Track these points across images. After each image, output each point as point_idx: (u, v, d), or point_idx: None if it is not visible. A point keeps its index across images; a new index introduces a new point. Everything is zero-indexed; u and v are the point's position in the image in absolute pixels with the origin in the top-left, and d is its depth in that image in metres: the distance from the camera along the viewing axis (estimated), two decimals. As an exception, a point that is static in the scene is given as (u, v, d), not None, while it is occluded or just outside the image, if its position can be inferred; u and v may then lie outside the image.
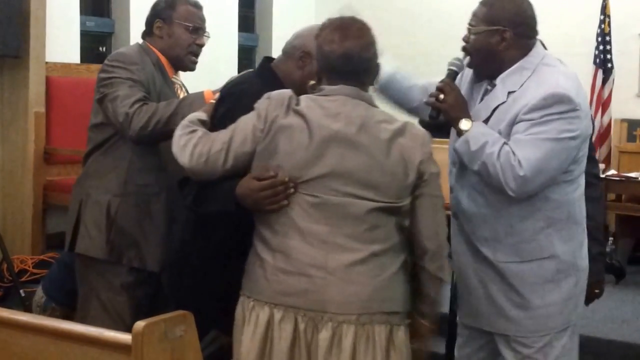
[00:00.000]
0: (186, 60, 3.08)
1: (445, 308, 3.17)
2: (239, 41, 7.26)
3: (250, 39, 7.65)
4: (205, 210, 2.43)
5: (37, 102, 5.26)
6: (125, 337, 2.17)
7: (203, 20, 3.14)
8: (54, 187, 5.22)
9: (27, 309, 4.23)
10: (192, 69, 3.14)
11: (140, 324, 2.11)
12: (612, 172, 5.80)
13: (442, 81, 2.66)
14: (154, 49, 3.06)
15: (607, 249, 5.37)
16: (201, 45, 3.11)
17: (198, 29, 3.09)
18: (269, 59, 2.73)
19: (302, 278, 2.24)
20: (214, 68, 5.57)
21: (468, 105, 2.59)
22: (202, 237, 2.54)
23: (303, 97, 2.34)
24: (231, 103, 2.53)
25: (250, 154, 2.32)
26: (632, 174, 5.57)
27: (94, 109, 3.02)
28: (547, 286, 2.55)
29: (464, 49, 2.74)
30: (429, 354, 2.55)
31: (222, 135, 2.36)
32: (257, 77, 2.71)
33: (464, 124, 2.49)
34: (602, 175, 5.48)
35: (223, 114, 2.51)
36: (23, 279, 4.78)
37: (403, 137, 2.29)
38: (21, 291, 4.45)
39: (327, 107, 2.30)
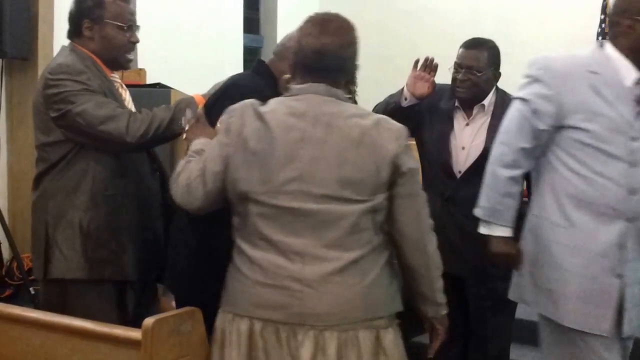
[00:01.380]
0: (122, 59, 2.91)
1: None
2: (244, 42, 7.31)
3: (255, 40, 7.70)
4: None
5: (46, 104, 5.32)
6: (135, 333, 2.23)
7: (133, 14, 2.93)
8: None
9: (37, 306, 4.21)
10: (128, 68, 3.02)
11: (150, 320, 2.18)
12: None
13: None
14: (85, 51, 2.85)
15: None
16: (135, 42, 2.91)
17: (131, 27, 2.88)
18: (262, 61, 2.76)
19: (280, 291, 2.15)
20: (220, 69, 5.62)
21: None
22: (210, 239, 2.49)
23: (272, 100, 2.26)
24: (235, 100, 2.44)
25: (223, 172, 2.22)
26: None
27: (43, 127, 2.82)
28: None
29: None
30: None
31: (199, 159, 2.30)
32: (256, 74, 2.74)
33: None
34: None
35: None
36: (33, 277, 4.77)
37: (376, 131, 2.18)
38: (31, 289, 4.47)
39: (294, 107, 2.20)
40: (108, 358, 2.30)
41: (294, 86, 2.25)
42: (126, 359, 2.25)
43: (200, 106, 2.77)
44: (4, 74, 5.31)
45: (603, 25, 6.53)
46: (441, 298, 2.35)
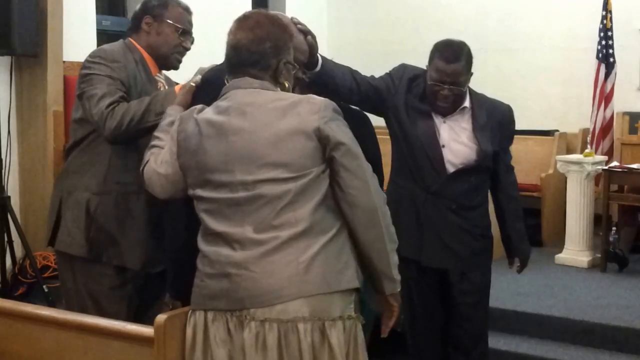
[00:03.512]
0: (172, 58, 3.05)
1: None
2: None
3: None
4: None
5: (55, 101, 5.31)
6: (147, 330, 2.24)
7: (191, 24, 3.10)
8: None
9: (51, 304, 4.30)
10: (177, 68, 3.10)
11: (162, 317, 2.19)
12: (614, 163, 5.87)
13: None
14: (138, 46, 3.00)
15: (611, 239, 5.48)
16: (187, 49, 3.07)
17: (186, 33, 3.05)
18: None
19: (223, 279, 2.17)
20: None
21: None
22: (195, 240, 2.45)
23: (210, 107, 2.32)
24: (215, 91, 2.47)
25: (173, 174, 2.34)
26: (634, 166, 5.63)
27: (75, 104, 2.97)
28: None
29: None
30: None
31: (156, 157, 2.42)
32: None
33: None
34: (605, 167, 5.59)
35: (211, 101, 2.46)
36: (46, 275, 4.85)
37: (297, 108, 2.19)
38: (44, 287, 4.50)
39: (219, 106, 2.25)
40: (120, 355, 2.31)
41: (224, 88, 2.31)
42: (139, 356, 2.27)
43: (184, 90, 2.75)
44: (13, 71, 5.31)
45: (604, 22, 6.55)
46: (397, 274, 2.30)
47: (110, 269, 2.93)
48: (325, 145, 2.19)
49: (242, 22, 2.28)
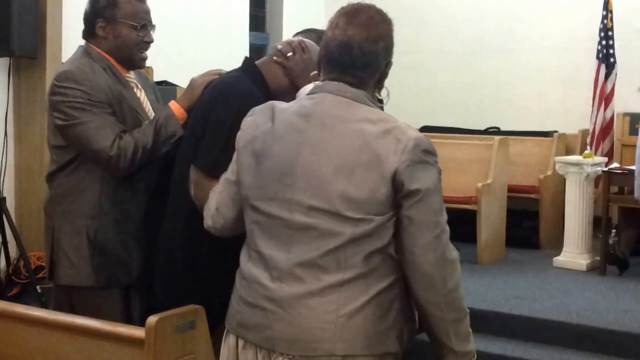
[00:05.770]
0: (135, 59, 2.86)
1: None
2: (249, 40, 7.31)
3: (261, 38, 7.71)
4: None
5: (53, 103, 5.34)
6: (138, 332, 2.21)
7: (148, 13, 2.87)
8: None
9: (44, 305, 4.29)
10: (143, 66, 2.92)
11: (153, 319, 2.15)
12: (614, 165, 5.85)
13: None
14: (99, 51, 2.81)
15: (610, 241, 5.45)
16: (149, 42, 2.87)
17: (145, 26, 2.84)
18: (250, 59, 2.67)
19: (256, 311, 2.00)
20: (226, 67, 5.62)
21: None
22: (194, 242, 2.45)
23: (293, 101, 2.14)
24: (237, 107, 2.37)
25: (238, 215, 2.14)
26: (635, 167, 5.60)
27: (52, 130, 2.79)
28: None
29: None
30: None
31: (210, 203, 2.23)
32: (245, 75, 2.59)
33: None
34: (605, 169, 5.56)
35: (233, 118, 2.34)
36: (39, 276, 4.79)
37: (382, 140, 1.90)
38: (37, 287, 4.49)
39: (304, 106, 2.03)
40: (112, 356, 2.29)
41: (316, 83, 2.09)
42: (130, 357, 2.24)
43: (179, 110, 2.73)
44: (11, 72, 5.33)
45: (605, 22, 6.54)
46: (461, 345, 2.00)
47: (116, 294, 2.81)
48: (398, 191, 1.91)
49: (354, 17, 2.00)
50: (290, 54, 2.57)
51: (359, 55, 1.99)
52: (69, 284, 2.81)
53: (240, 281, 2.09)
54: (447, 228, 1.94)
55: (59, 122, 2.74)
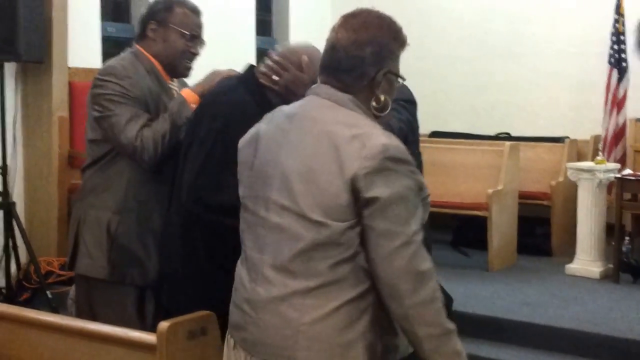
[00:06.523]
0: (180, 67, 2.93)
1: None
2: (256, 45, 7.32)
3: (267, 42, 7.70)
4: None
5: (60, 107, 5.34)
6: (150, 337, 2.21)
7: (200, 27, 2.97)
8: (77, 191, 5.26)
9: (54, 310, 4.30)
10: (186, 76, 3.00)
11: (164, 324, 2.16)
12: (627, 171, 5.78)
13: None
14: (147, 54, 2.89)
15: (624, 249, 5.41)
16: (196, 54, 2.95)
17: (194, 37, 2.93)
18: (253, 67, 2.67)
19: (239, 313, 2.01)
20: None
21: None
22: (198, 248, 2.47)
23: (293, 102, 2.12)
24: (225, 118, 2.42)
25: None
26: (648, 173, 5.58)
27: (90, 124, 2.87)
28: None
29: None
30: None
31: None
32: (242, 85, 2.59)
33: None
34: (618, 175, 5.52)
35: (220, 129, 2.40)
36: (50, 281, 4.87)
37: (350, 144, 1.84)
38: (48, 292, 4.51)
39: (294, 107, 2.03)
40: None
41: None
42: None
43: (192, 96, 2.80)
44: (18, 77, 5.34)
45: (617, 26, 6.49)
46: (437, 358, 1.88)
47: (131, 292, 2.84)
48: (356, 197, 1.84)
49: (348, 20, 1.98)
50: (275, 77, 2.54)
51: (343, 58, 1.96)
52: (84, 273, 2.87)
53: (234, 282, 2.09)
54: (417, 238, 1.85)
55: (96, 114, 2.82)
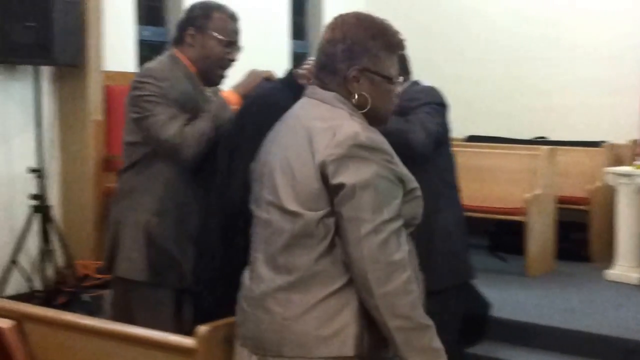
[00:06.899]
0: (214, 74, 2.93)
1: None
2: (290, 48, 7.33)
3: (302, 46, 7.70)
4: None
5: (95, 111, 5.37)
6: (189, 341, 2.19)
7: (237, 33, 2.96)
8: (114, 194, 5.28)
9: (91, 313, 4.24)
10: (219, 84, 2.98)
11: (204, 328, 2.16)
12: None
13: None
14: (184, 59, 2.90)
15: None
16: (233, 61, 2.94)
17: (232, 44, 2.92)
18: (292, 73, 2.61)
19: (239, 310, 2.07)
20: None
21: None
22: (239, 252, 2.41)
23: None
24: (261, 117, 2.40)
25: None
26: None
27: (128, 126, 2.88)
28: None
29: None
30: None
31: None
32: (286, 88, 2.55)
33: None
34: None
35: (254, 128, 2.37)
36: (86, 284, 4.90)
37: (323, 135, 1.90)
38: (85, 296, 4.56)
39: (291, 109, 2.10)
40: None
41: None
42: None
43: (234, 97, 2.79)
44: (54, 81, 5.38)
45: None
46: (410, 352, 1.86)
47: (169, 295, 2.84)
48: (326, 184, 1.87)
49: (331, 22, 2.02)
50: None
51: (321, 57, 2.02)
52: (123, 276, 2.87)
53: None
54: (389, 227, 1.85)
55: (134, 116, 2.82)
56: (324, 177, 1.87)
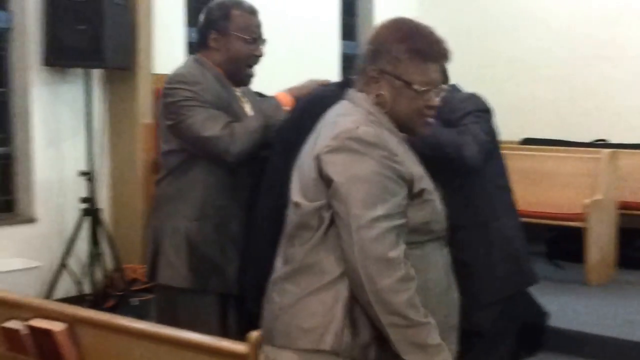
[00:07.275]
0: (243, 73, 2.90)
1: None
2: (341, 49, 7.30)
3: (352, 47, 7.64)
4: None
5: (145, 114, 5.40)
6: (241, 347, 2.17)
7: (259, 26, 2.91)
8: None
9: (139, 317, 4.29)
10: (247, 84, 2.96)
11: (255, 334, 2.12)
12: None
13: None
14: (211, 63, 2.87)
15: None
16: (260, 56, 2.91)
17: (256, 39, 2.88)
18: (349, 79, 2.55)
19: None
20: (317, 77, 5.57)
21: None
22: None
23: None
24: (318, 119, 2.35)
25: None
26: None
27: (164, 136, 2.86)
28: None
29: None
30: None
31: None
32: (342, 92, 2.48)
33: None
34: None
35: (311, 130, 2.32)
36: (135, 288, 4.92)
37: (328, 128, 1.95)
38: (134, 300, 4.58)
39: None
40: None
41: None
42: None
43: (287, 99, 2.78)
44: (105, 84, 5.41)
45: None
46: (413, 356, 1.84)
47: (214, 300, 2.82)
48: (321, 175, 1.90)
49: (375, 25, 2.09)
50: None
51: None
52: (167, 283, 2.85)
53: None
54: (383, 224, 1.83)
55: (169, 122, 2.79)
56: (319, 168, 1.89)
